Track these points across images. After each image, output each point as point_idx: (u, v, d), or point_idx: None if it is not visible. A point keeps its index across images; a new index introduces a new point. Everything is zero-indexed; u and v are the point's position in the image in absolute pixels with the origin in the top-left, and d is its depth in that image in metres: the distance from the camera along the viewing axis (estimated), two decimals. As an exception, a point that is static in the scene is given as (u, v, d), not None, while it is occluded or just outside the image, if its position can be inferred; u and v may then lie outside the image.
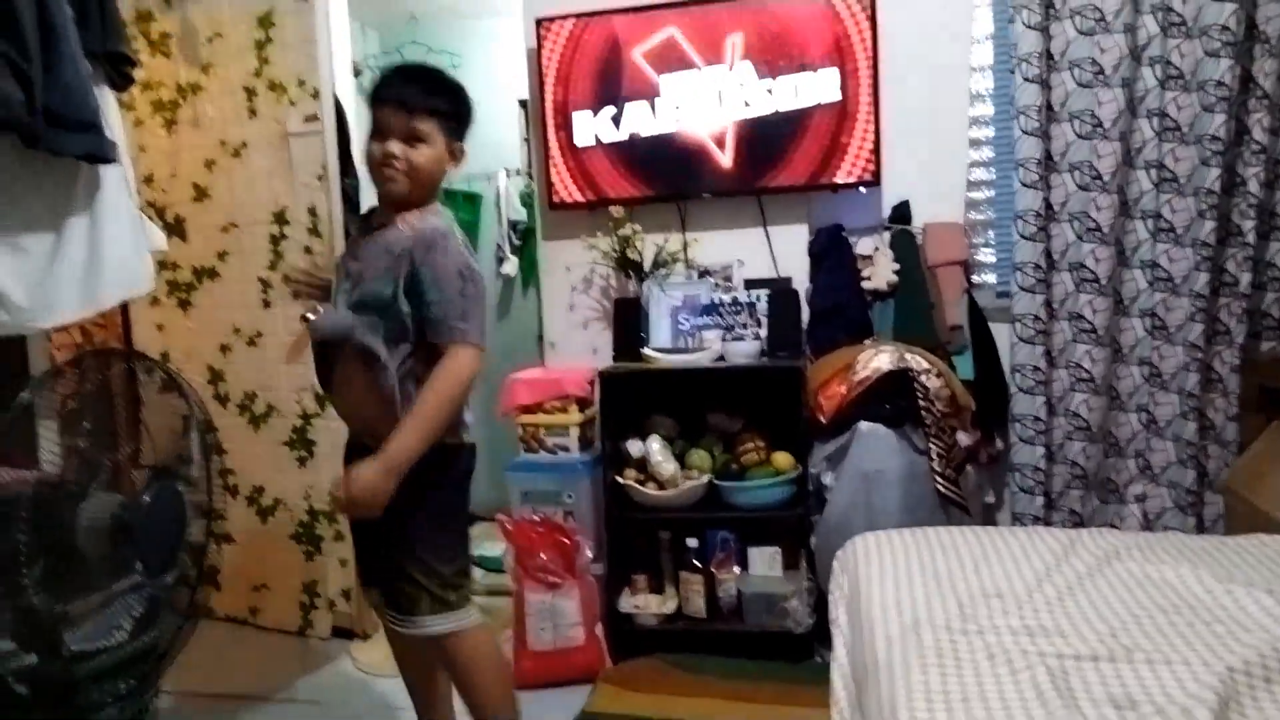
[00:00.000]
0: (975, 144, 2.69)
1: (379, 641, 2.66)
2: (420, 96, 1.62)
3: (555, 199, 2.77)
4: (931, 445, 2.27)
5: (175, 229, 2.77)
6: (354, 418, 1.73)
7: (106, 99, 1.87)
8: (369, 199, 3.41)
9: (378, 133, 1.63)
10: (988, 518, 2.70)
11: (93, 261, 1.83)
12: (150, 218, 2.62)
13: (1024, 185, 2.48)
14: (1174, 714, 1.05)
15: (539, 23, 2.70)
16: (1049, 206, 2.50)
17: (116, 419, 2.66)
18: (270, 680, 2.48)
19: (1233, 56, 2.28)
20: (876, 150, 2.55)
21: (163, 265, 2.78)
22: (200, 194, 2.73)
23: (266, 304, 2.68)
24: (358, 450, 1.68)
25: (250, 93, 2.60)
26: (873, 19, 2.51)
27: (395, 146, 1.61)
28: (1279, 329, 2.31)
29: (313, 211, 2.56)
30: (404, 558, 1.66)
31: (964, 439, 2.38)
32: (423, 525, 1.66)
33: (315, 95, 2.52)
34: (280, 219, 2.61)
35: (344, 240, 2.55)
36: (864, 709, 1.26)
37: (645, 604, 2.52)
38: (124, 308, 2.80)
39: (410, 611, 1.67)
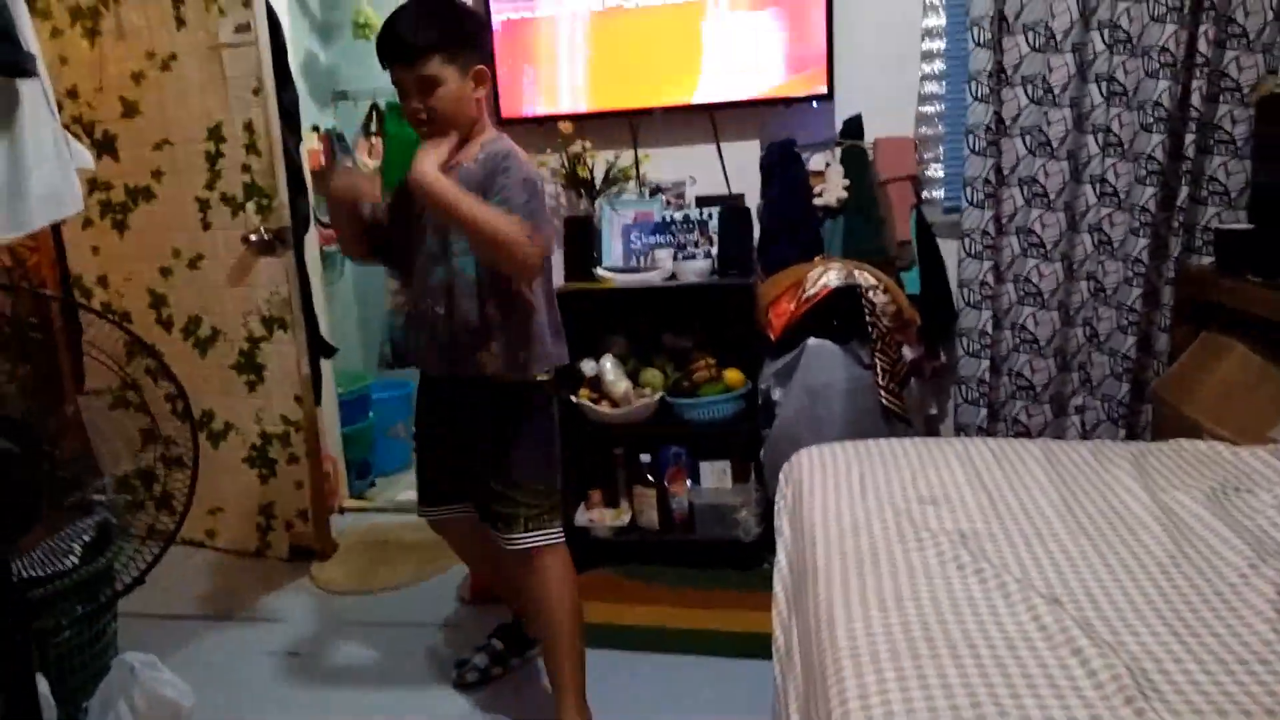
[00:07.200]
0: (927, 56, 2.66)
1: (339, 560, 2.71)
2: (411, 40, 1.60)
3: (502, 114, 2.70)
4: (877, 360, 2.31)
5: (105, 146, 2.66)
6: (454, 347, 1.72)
7: (18, 6, 1.76)
8: (309, 115, 3.29)
9: (402, 94, 1.65)
10: (930, 429, 2.79)
11: (15, 182, 1.75)
12: (76, 135, 2.51)
13: (975, 99, 2.47)
14: (1104, 606, 1.12)
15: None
16: (1000, 121, 2.50)
17: (58, 344, 2.61)
18: (231, 600, 2.51)
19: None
20: (829, 63, 2.51)
21: (94, 185, 2.68)
22: (130, 109, 2.61)
23: (206, 225, 2.60)
24: (437, 391, 1.84)
25: (177, 0, 2.46)
26: (826, -76, 2.45)
27: (411, 101, 1.63)
28: (1214, 243, 2.36)
29: (249, 128, 2.47)
30: (503, 483, 1.75)
31: (909, 353, 2.43)
32: (519, 453, 1.75)
33: (247, 3, 2.39)
34: (216, 135, 2.52)
35: (282, 159, 2.47)
36: (800, 610, 1.32)
37: (600, 517, 2.58)
38: (55, 230, 2.70)
39: (508, 529, 1.76)
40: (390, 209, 1.82)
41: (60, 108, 2.28)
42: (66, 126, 2.07)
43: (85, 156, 2.07)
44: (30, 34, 1.78)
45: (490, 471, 1.76)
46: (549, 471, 1.81)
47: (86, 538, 1.89)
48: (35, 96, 1.78)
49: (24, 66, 1.70)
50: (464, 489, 1.89)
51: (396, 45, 1.61)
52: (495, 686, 2.03)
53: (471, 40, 1.67)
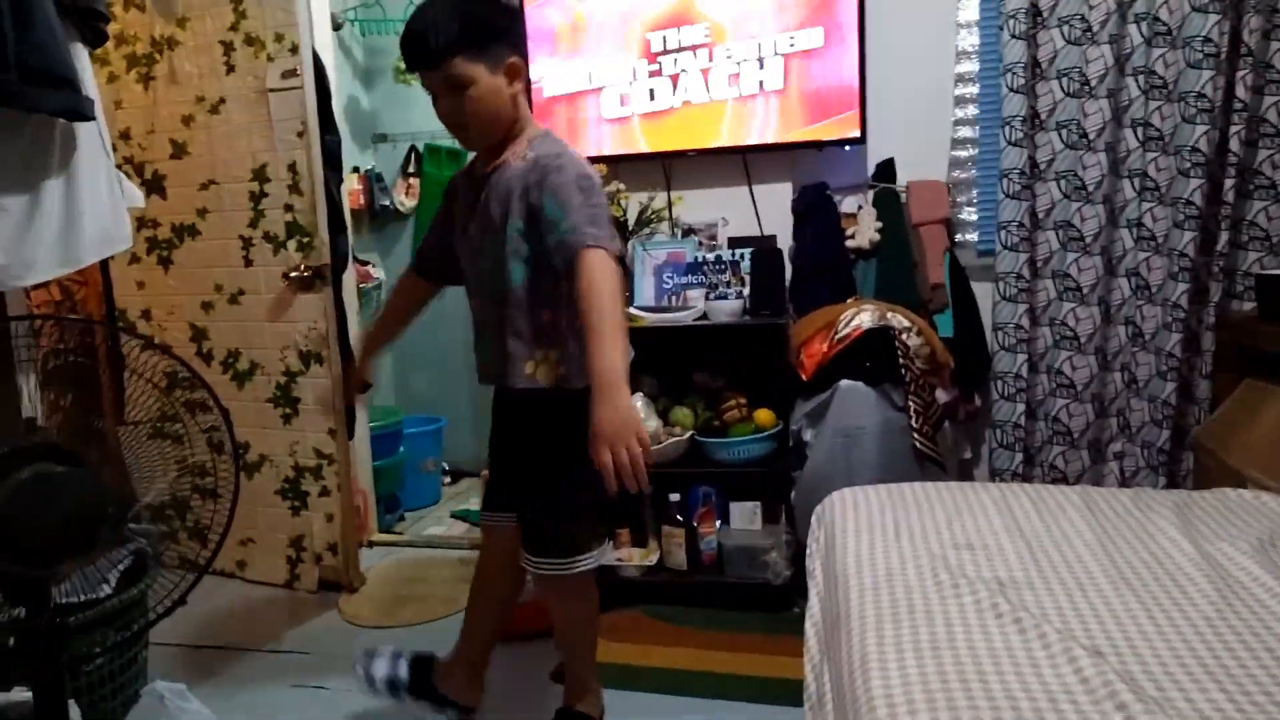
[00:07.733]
0: (960, 102, 2.68)
1: (366, 594, 2.71)
2: (431, 40, 1.48)
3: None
4: (910, 402, 2.29)
5: (154, 186, 2.74)
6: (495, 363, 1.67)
7: (80, 55, 1.84)
8: (351, 156, 3.38)
9: (433, 99, 1.56)
10: (964, 473, 2.75)
11: (70, 219, 1.81)
12: (128, 174, 2.60)
13: (1009, 143, 2.48)
14: (1149, 660, 1.09)
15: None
16: (1034, 165, 2.50)
17: (100, 375, 2.67)
18: (259, 631, 2.52)
19: (1220, 13, 2.27)
20: (862, 108, 2.54)
21: (142, 222, 2.75)
22: (179, 151, 2.69)
23: (248, 262, 2.66)
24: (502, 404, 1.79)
25: (228, 47, 2.55)
26: (859, -27, 2.48)
27: (442, 106, 1.54)
28: (1255, 289, 2.33)
29: (293, 169, 2.53)
30: (560, 503, 1.68)
31: (942, 396, 2.41)
32: (576, 472, 1.60)
33: (294, 50, 2.47)
34: (260, 176, 2.59)
35: (324, 199, 2.53)
36: (833, 657, 1.29)
37: (628, 557, 2.57)
38: (104, 265, 2.78)
39: (566, 554, 1.68)
40: (438, 236, 1.82)
41: (114, 149, 2.36)
42: (119, 167, 2.13)
43: (136, 196, 2.14)
44: (90, 80, 1.86)
45: (536, 487, 1.69)
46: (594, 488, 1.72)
47: (122, 566, 1.91)
48: (92, 139, 1.85)
49: (83, 112, 1.76)
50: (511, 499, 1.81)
51: (417, 47, 1.50)
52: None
53: (500, 32, 1.52)
